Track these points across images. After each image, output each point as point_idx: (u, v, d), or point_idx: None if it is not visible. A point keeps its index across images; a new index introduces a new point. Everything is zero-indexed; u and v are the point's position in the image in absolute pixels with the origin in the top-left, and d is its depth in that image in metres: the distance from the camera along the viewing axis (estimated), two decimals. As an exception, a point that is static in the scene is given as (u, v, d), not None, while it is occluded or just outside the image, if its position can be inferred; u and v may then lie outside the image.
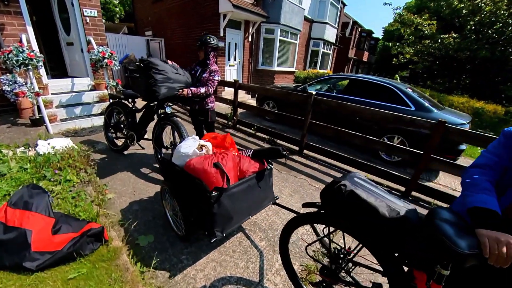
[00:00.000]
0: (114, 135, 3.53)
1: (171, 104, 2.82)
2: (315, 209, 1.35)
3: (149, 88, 2.42)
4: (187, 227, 1.77)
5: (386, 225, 1.00)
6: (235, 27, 7.84)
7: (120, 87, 4.50)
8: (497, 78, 10.15)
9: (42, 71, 4.33)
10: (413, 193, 3.20)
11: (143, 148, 3.55)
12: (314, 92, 3.61)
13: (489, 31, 9.06)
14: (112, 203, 2.40)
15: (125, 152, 3.52)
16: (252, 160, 1.86)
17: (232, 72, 8.51)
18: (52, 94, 4.47)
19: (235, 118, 4.97)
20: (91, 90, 5.00)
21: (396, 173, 3.29)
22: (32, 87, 3.77)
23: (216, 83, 2.87)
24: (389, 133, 4.24)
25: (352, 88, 4.83)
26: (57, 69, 5.99)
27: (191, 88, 2.71)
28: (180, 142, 2.55)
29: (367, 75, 4.91)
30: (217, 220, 1.52)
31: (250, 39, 8.41)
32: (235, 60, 8.43)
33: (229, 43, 7.88)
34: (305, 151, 4.11)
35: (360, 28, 19.62)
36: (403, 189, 3.28)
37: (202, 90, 2.75)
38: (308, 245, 1.47)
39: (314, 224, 1.76)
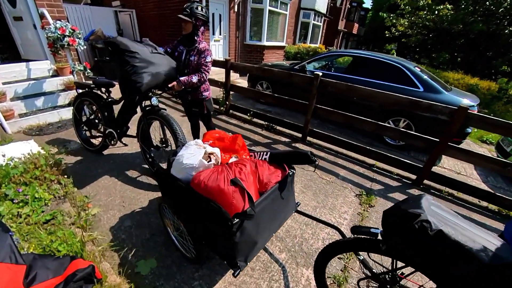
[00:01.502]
0: (88, 133, 3.08)
1: (158, 93, 2.41)
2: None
3: (126, 78, 1.99)
4: (198, 252, 1.51)
5: (480, 270, 0.81)
6: (218, -5, 7.10)
7: (88, 71, 3.91)
8: (489, 53, 10.26)
9: (-14, 54, 3.63)
10: (425, 181, 3.14)
11: (125, 145, 3.15)
12: (320, 74, 3.30)
13: (487, 2, 8.93)
14: (98, 220, 2.07)
15: (105, 152, 3.11)
16: (271, 166, 1.58)
17: (217, 49, 7.88)
18: (3, 83, 3.81)
19: (227, 103, 4.59)
20: (53, 76, 4.34)
21: (408, 161, 3.19)
22: (-25, 76, 3.14)
23: (210, 66, 2.43)
24: (394, 116, 4.11)
25: (356, 66, 4.55)
26: (7, 51, 5.14)
27: (180, 78, 2.30)
28: (177, 141, 2.24)
29: (372, 52, 4.64)
30: (239, 249, 1.27)
31: (236, 10, 7.71)
32: (220, 34, 7.76)
33: (213, 14, 7.18)
34: (309, 138, 3.89)
35: (350, -3, 18.89)
36: (413, 177, 3.20)
37: (195, 79, 2.35)
38: (361, 280, 1.27)
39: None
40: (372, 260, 1.28)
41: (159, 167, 1.60)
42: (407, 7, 10.80)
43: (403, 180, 3.23)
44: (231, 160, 1.56)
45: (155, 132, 2.64)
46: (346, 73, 4.55)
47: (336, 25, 17.33)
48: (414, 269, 1.06)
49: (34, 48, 4.46)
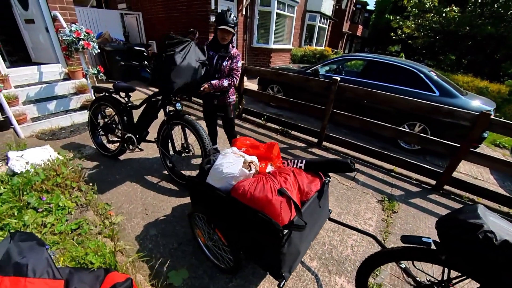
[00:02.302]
0: (104, 138, 3.06)
1: (182, 98, 2.40)
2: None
3: (164, 75, 1.99)
4: (236, 263, 1.48)
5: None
6: (227, -2, 7.13)
7: (102, 75, 3.90)
8: (497, 55, 10.28)
9: (-1, 58, 3.62)
10: (445, 186, 3.12)
11: (141, 150, 3.13)
12: (338, 79, 3.30)
13: (495, 5, 8.97)
14: (123, 229, 2.04)
15: (121, 157, 3.09)
16: (308, 174, 1.57)
17: (225, 52, 7.83)
18: (15, 87, 3.80)
19: (240, 107, 4.58)
20: (64, 79, 4.33)
21: (428, 167, 3.17)
22: (-12, 80, 3.12)
23: (240, 71, 2.51)
24: (409, 120, 4.10)
25: (370, 70, 4.55)
26: (16, 53, 5.14)
27: (212, 82, 2.30)
28: (204, 148, 2.22)
29: (386, 56, 4.65)
30: (285, 260, 1.25)
31: (244, 13, 7.74)
32: (228, 37, 7.74)
33: (221, 17, 7.16)
34: (325, 143, 3.88)
35: (355, 0, 19.01)
36: (433, 182, 3.18)
37: (226, 82, 2.37)
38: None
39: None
40: (417, 269, 1.27)
41: (191, 177, 1.58)
42: (413, 9, 10.85)
43: (423, 185, 3.22)
44: (268, 169, 1.54)
45: (176, 137, 2.62)
46: (360, 77, 4.55)
47: (340, 27, 17.41)
48: (463, 278, 1.05)
49: (46, 51, 4.45)
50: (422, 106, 2.97)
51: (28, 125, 3.54)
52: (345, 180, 3.09)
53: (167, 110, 2.39)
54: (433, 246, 1.14)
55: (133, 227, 2.07)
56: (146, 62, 2.29)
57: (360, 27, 21.81)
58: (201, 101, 4.91)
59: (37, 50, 4.64)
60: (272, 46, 8.67)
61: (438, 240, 1.15)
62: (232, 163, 1.40)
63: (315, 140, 3.90)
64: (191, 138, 2.41)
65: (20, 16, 4.41)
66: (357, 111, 3.73)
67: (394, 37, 12.22)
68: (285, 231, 1.16)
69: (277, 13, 8.40)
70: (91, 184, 2.53)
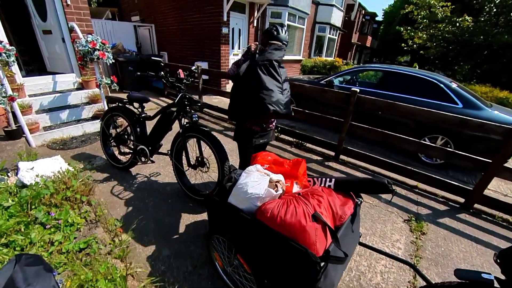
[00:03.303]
0: (116, 149, 3.00)
1: (197, 107, 2.31)
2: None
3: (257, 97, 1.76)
4: (259, 294, 1.33)
5: None
6: (239, 10, 7.22)
7: (115, 85, 3.90)
8: (514, 64, 10.03)
9: (15, 67, 3.66)
10: (475, 205, 2.91)
11: (152, 162, 3.05)
12: (357, 90, 3.18)
13: (511, 13, 8.83)
14: (133, 248, 1.92)
15: (132, 170, 3.01)
16: (339, 195, 1.43)
17: (236, 63, 7.89)
18: (29, 96, 3.83)
19: (252, 118, 4.49)
20: (78, 89, 4.37)
21: (455, 183, 2.97)
22: (4, 89, 3.11)
23: None
24: (431, 133, 3.92)
25: (387, 81, 4.43)
26: (32, 63, 5.25)
27: None
28: (221, 163, 2.11)
29: (404, 67, 4.53)
30: (320, 295, 1.10)
31: (255, 24, 7.82)
32: (239, 48, 7.84)
33: (233, 29, 7.28)
34: (342, 157, 3.72)
35: (363, 11, 19.17)
36: (461, 200, 2.98)
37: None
38: None
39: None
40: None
41: (210, 194, 1.46)
42: (424, 20, 10.78)
43: (450, 203, 3.01)
44: (295, 189, 1.41)
45: (190, 150, 2.52)
46: (377, 88, 4.43)
47: (349, 38, 17.48)
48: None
49: (61, 61, 4.52)
50: (449, 119, 2.81)
51: (40, 134, 3.53)
52: (367, 197, 2.92)
53: (183, 122, 2.31)
54: (496, 285, 0.99)
55: (144, 246, 1.95)
56: (162, 73, 2.23)
57: (369, 37, 21.88)
58: (214, 112, 4.90)
59: (53, 60, 4.71)
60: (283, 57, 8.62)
61: (502, 277, 1.00)
62: (257, 182, 1.28)
63: (332, 153, 3.76)
64: (207, 152, 2.31)
65: (38, 27, 4.51)
66: (370, 122, 3.58)
67: (405, 48, 12.10)
68: (323, 263, 1.02)
69: (287, 25, 8.46)
70: (101, 198, 2.45)
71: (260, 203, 1.26)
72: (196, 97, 5.38)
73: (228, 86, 7.33)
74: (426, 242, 2.34)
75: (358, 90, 3.17)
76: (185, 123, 2.29)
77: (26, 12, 4.46)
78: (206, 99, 5.69)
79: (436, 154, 3.07)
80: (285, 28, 1.94)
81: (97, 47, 3.48)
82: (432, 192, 3.14)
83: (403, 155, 4.25)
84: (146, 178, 2.89)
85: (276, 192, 1.27)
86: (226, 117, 5.10)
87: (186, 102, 2.24)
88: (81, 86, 4.37)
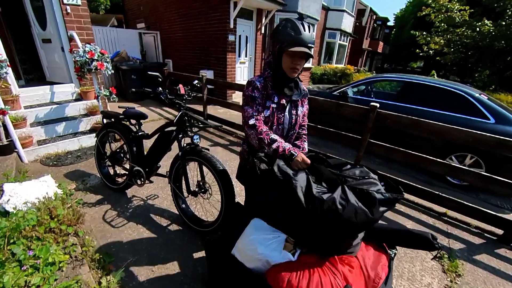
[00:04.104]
0: (111, 169, 2.81)
1: (200, 127, 2.09)
2: None
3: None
4: None
5: None
6: (246, 17, 7.12)
7: (114, 96, 3.76)
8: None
9: (11, 78, 3.56)
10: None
11: (151, 182, 2.85)
12: (377, 105, 2.94)
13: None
14: (122, 292, 1.69)
15: (128, 191, 2.81)
16: (369, 247, 1.18)
17: (242, 71, 7.81)
18: (25, 107, 3.73)
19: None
20: (76, 99, 4.25)
21: (492, 213, 2.66)
22: (-5, 102, 3.00)
23: None
24: (458, 151, 3.62)
25: (407, 93, 4.17)
26: (33, 71, 5.21)
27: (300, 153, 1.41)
28: (225, 195, 1.89)
29: (427, 78, 4.27)
30: None
31: (263, 31, 7.70)
32: (246, 56, 7.74)
33: (240, 36, 7.18)
34: (358, 177, 3.44)
35: (375, 16, 19.00)
36: (499, 231, 2.66)
37: (306, 146, 1.62)
38: None
39: None
40: None
41: (210, 239, 1.23)
42: (442, 24, 10.48)
43: (486, 235, 2.69)
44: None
45: (191, 173, 2.31)
46: (396, 101, 4.16)
47: (360, 44, 17.29)
48: None
49: (60, 71, 4.44)
50: (483, 139, 2.51)
51: (33, 149, 3.39)
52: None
53: (183, 143, 2.10)
54: None
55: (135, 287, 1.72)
56: (160, 89, 2.05)
57: (381, 43, 21.62)
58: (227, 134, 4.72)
59: (52, 69, 4.64)
60: (291, 64, 8.48)
61: None
62: (269, 239, 1.04)
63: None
64: (209, 177, 2.09)
65: (38, 36, 4.46)
66: (385, 136, 3.31)
67: (421, 54, 11.79)
68: None
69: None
70: (92, 225, 2.25)
71: (272, 264, 1.02)
72: (200, 107, 5.23)
73: (235, 96, 7.19)
74: (463, 287, 2.04)
75: (378, 105, 2.92)
76: (185, 144, 2.09)
77: (26, 20, 4.42)
78: (211, 108, 5.52)
79: (470, 180, 2.75)
80: (307, 21, 1.29)
81: (95, 58, 3.35)
82: (464, 220, 2.84)
83: (426, 173, 3.95)
84: (142, 202, 2.69)
85: (294, 255, 1.03)
86: (232, 130, 4.91)
87: (186, 122, 2.04)
88: (80, 97, 4.26)
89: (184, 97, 2.15)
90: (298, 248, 1.10)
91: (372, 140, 3.13)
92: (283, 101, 1.41)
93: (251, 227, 1.13)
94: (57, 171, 3.15)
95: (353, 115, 3.21)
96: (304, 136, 1.63)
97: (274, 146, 1.27)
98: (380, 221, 1.17)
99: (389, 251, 1.24)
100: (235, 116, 5.69)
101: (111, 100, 3.78)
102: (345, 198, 0.99)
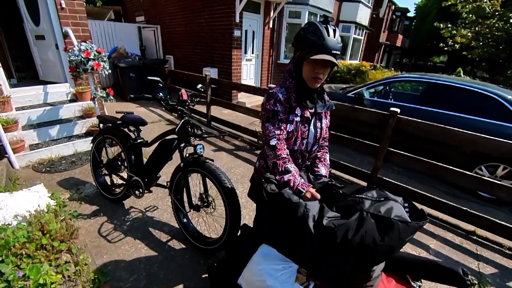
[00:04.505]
0: (108, 178, 2.83)
1: (204, 136, 2.08)
2: None
3: None
4: None
5: None
6: (253, 10, 7.12)
7: (111, 98, 3.79)
8: None
9: (2, 78, 3.62)
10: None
11: (150, 192, 2.85)
12: (398, 110, 2.88)
13: None
14: (118, 318, 1.69)
15: (125, 201, 2.82)
16: (391, 279, 1.14)
17: (249, 69, 7.81)
18: (17, 109, 3.78)
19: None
20: (71, 100, 4.31)
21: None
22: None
23: None
24: (488, 161, 3.53)
25: (431, 95, 4.09)
26: (25, 69, 5.31)
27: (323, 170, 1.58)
28: (229, 213, 1.88)
29: (454, 78, 4.18)
30: None
31: (271, 26, 7.70)
32: (252, 53, 7.74)
33: (246, 31, 7.18)
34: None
35: (394, 7, 18.81)
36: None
37: (328, 157, 1.66)
38: None
39: None
40: None
41: (214, 266, 1.21)
42: (470, 15, 10.25)
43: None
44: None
45: (193, 184, 2.30)
46: (418, 103, 4.09)
47: (377, 37, 17.13)
48: None
49: (54, 69, 4.50)
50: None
51: (25, 154, 3.43)
52: (410, 246, 2.58)
53: (184, 153, 2.09)
54: None
55: (131, 315, 1.72)
56: (161, 94, 2.05)
57: (400, 36, 21.37)
58: (223, 126, 4.69)
59: (46, 67, 4.71)
60: (302, 62, 8.47)
61: None
62: (279, 270, 1.02)
63: (364, 183, 3.44)
64: (213, 190, 2.08)
65: (31, 32, 4.53)
66: (403, 141, 3.22)
67: (445, 48, 11.57)
68: None
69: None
70: (86, 239, 2.27)
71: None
72: (203, 108, 5.24)
73: (240, 95, 7.21)
74: (497, 319, 1.97)
75: (398, 111, 2.87)
76: (187, 154, 2.08)
77: (18, 15, 4.49)
78: (215, 109, 5.53)
79: (505, 195, 2.65)
80: (333, 24, 1.25)
81: (91, 57, 3.39)
82: (496, 240, 2.76)
83: (450, 183, 3.86)
84: (140, 214, 2.70)
85: None
86: (238, 133, 4.91)
87: (189, 130, 2.03)
88: (75, 98, 4.31)
89: (187, 103, 2.14)
90: (312, 280, 1.07)
91: (391, 149, 3.08)
92: (307, 114, 1.40)
93: (260, 254, 1.11)
94: (50, 178, 3.19)
95: (371, 120, 3.17)
96: (326, 147, 1.66)
97: (285, 178, 1.27)
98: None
99: (413, 283, 1.20)
100: (241, 118, 5.69)
101: (109, 102, 3.81)
102: (361, 226, 0.97)
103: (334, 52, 1.21)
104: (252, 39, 7.61)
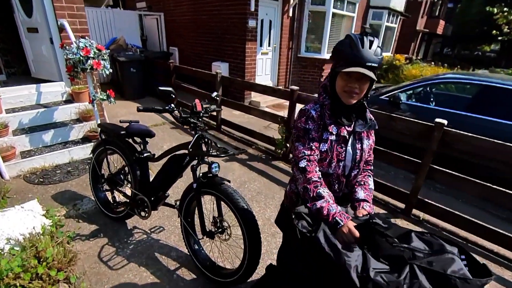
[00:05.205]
0: (109, 194, 2.90)
1: (221, 155, 2.09)
2: None
3: None
4: None
5: None
6: (270, -4, 7.18)
7: (112, 100, 3.88)
8: None
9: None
10: None
11: (155, 210, 2.92)
12: (445, 122, 2.83)
13: None
14: None
15: (128, 221, 2.89)
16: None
17: (264, 63, 7.87)
18: (7, 111, 3.91)
19: (288, 145, 4.29)
20: (66, 101, 4.44)
21: None
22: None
23: None
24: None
25: (485, 101, 4.00)
26: (16, 65, 5.51)
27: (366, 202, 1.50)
28: (249, 245, 1.90)
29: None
30: None
31: (290, 14, 7.72)
32: (269, 45, 7.78)
33: (262, 21, 7.22)
34: (416, 211, 3.35)
35: (433, -12, 18.51)
36: None
37: (371, 182, 1.61)
38: None
39: None
40: None
41: None
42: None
43: None
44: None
45: (205, 205, 2.33)
46: (467, 111, 4.00)
47: (414, 25, 16.85)
48: None
49: (48, 66, 4.64)
50: None
51: (16, 163, 3.55)
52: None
53: (198, 172, 2.12)
54: None
55: None
56: (172, 106, 2.08)
57: (441, 22, 20.92)
58: (234, 131, 4.75)
59: (39, 63, 4.87)
60: (326, 56, 8.52)
61: None
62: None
63: (401, 205, 3.40)
64: (227, 212, 2.09)
65: (23, 24, 4.67)
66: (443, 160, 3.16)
67: (499, 37, 11.29)
68: None
69: (333, 13, 8.30)
70: (85, 265, 2.33)
71: None
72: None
73: (254, 94, 7.25)
74: None
75: (445, 123, 2.82)
76: (200, 174, 2.11)
77: (10, 4, 4.64)
78: (225, 110, 5.57)
79: None
80: (370, 35, 1.27)
81: (91, 55, 3.47)
82: None
83: (504, 205, 3.75)
84: (145, 235, 2.75)
85: None
86: (252, 139, 4.94)
87: (203, 147, 2.06)
88: (71, 98, 4.44)
89: (201, 115, 2.17)
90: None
91: (435, 166, 3.04)
92: (344, 133, 1.41)
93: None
94: (43, 191, 3.29)
95: (410, 132, 3.14)
96: (369, 171, 1.63)
97: (318, 204, 1.27)
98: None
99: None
100: (254, 120, 5.69)
101: (109, 104, 3.91)
102: (414, 283, 0.96)
103: (370, 64, 1.24)
104: (269, 30, 7.63)
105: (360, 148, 1.46)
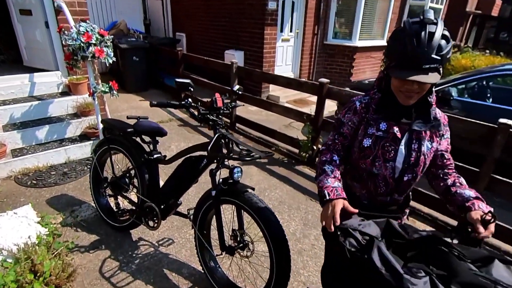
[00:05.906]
0: (112, 200, 2.95)
1: (246, 159, 2.08)
2: None
3: None
4: None
5: None
6: (294, -27, 7.20)
7: (115, 93, 3.94)
8: None
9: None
10: None
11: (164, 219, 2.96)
12: (510, 123, 2.76)
13: None
14: None
15: (132, 231, 2.94)
16: None
17: (285, 52, 7.89)
18: (-4, 105, 4.04)
19: (314, 147, 4.27)
20: (62, 93, 4.55)
21: None
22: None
23: None
24: None
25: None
26: (6, 51, 5.68)
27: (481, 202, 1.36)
28: (276, 263, 1.89)
29: None
30: None
31: (316, -5, 7.72)
32: (291, 31, 7.78)
33: (283, 2, 7.23)
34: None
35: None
36: None
37: (463, 181, 1.54)
38: None
39: None
40: None
41: None
42: None
43: None
44: None
45: (224, 215, 2.34)
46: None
47: (463, 5, 16.48)
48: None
49: (43, 53, 4.76)
50: None
51: (7, 162, 3.65)
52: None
53: (217, 177, 2.12)
54: None
55: None
56: (189, 100, 2.10)
57: (498, 2, 20.34)
58: (251, 130, 4.77)
59: (32, 50, 5.00)
60: (357, 43, 8.48)
61: None
62: None
63: (453, 222, 3.35)
64: (248, 222, 2.10)
65: (15, 5, 4.78)
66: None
67: None
68: None
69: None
70: (84, 282, 2.38)
71: None
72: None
73: (272, 88, 7.22)
74: None
75: (511, 123, 2.75)
76: (220, 180, 2.11)
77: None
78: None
79: None
80: (431, 22, 1.18)
81: (93, 41, 3.53)
82: None
83: None
84: (152, 248, 2.80)
85: None
86: (272, 140, 4.93)
87: (224, 149, 2.06)
88: (68, 90, 4.54)
89: (221, 111, 2.17)
90: None
91: (497, 176, 2.96)
92: (395, 130, 1.40)
93: None
94: (37, 195, 3.38)
95: (467, 135, 3.07)
96: (453, 173, 1.51)
97: (319, 178, 1.44)
98: None
99: None
100: (274, 118, 5.69)
101: (111, 97, 3.97)
102: None
103: (427, 66, 1.17)
104: (291, 13, 7.63)
105: (416, 149, 1.41)
